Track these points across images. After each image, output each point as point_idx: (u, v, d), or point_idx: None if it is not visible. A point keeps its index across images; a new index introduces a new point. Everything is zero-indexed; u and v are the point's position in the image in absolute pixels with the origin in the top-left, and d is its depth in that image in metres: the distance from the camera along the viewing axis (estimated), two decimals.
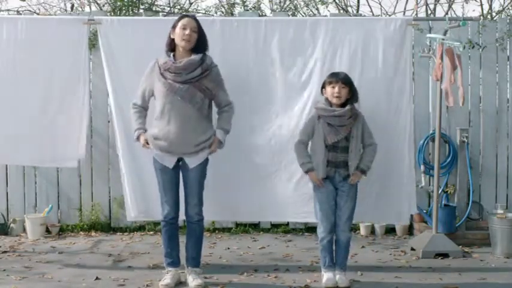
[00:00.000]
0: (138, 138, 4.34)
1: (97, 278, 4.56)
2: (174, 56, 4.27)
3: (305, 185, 4.55)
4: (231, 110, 4.39)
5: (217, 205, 4.76)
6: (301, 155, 4.38)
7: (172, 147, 4.22)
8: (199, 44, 4.27)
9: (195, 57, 4.22)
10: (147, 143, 4.28)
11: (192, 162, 4.25)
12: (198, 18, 4.44)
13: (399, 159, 4.82)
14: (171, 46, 4.29)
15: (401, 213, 4.87)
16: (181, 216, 4.43)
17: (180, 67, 4.19)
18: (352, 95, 4.34)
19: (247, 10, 7.59)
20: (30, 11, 8.97)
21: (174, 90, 4.19)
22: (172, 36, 4.28)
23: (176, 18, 4.36)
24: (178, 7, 8.83)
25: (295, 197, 4.83)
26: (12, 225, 6.21)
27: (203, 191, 4.35)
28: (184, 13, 5.20)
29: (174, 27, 4.28)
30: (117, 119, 4.84)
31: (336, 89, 4.28)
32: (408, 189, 4.83)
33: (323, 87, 4.40)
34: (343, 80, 4.30)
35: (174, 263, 4.42)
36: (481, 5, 9.10)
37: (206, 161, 4.34)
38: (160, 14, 7.59)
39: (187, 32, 4.21)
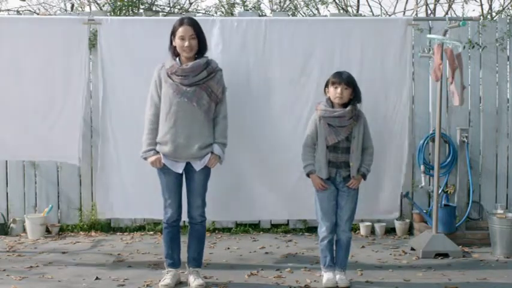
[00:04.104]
0: (145, 158, 4.28)
1: (97, 278, 4.56)
2: (179, 60, 4.28)
3: (305, 183, 4.55)
4: (227, 121, 4.34)
5: (217, 205, 4.76)
6: (304, 157, 4.38)
7: (178, 152, 4.20)
8: (200, 47, 4.28)
9: (201, 60, 4.24)
10: (158, 162, 4.23)
11: (198, 165, 4.24)
12: (197, 18, 4.44)
13: (396, 157, 4.90)
14: (175, 53, 4.29)
15: (394, 208, 4.99)
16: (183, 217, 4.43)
17: (187, 69, 4.19)
18: (355, 96, 4.34)
19: (247, 10, 7.59)
20: (30, 11, 8.98)
21: (181, 92, 4.18)
22: (174, 44, 4.28)
23: (176, 20, 4.32)
24: (178, 7, 8.83)
25: (295, 195, 4.84)
26: (12, 225, 6.21)
27: (206, 192, 4.35)
28: (182, 15, 5.16)
29: (173, 34, 4.27)
30: (111, 119, 4.84)
31: (339, 90, 4.28)
32: (398, 185, 4.95)
33: (326, 86, 4.40)
34: (346, 81, 4.28)
35: (175, 263, 4.42)
36: (481, 5, 9.12)
37: None
38: (160, 14, 7.59)
39: (186, 43, 4.20)
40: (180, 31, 4.22)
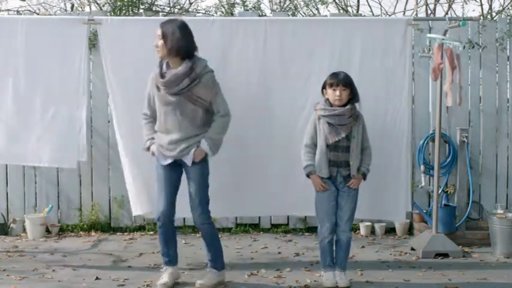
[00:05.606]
0: (148, 148, 4.33)
1: (97, 278, 4.56)
2: (167, 63, 4.23)
3: (305, 181, 4.54)
4: (225, 119, 4.28)
5: (217, 203, 4.76)
6: (304, 158, 4.38)
7: (167, 152, 4.23)
8: (179, 48, 4.13)
9: (180, 68, 4.14)
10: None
11: (188, 159, 4.21)
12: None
13: (397, 157, 4.88)
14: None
15: (398, 210, 4.93)
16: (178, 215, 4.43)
17: (166, 82, 4.17)
18: (353, 96, 4.34)
19: (247, 10, 7.59)
20: (30, 11, 8.99)
21: (167, 102, 4.20)
22: None
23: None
24: (178, 7, 8.84)
25: (294, 192, 4.83)
26: (12, 225, 6.21)
27: (207, 191, 4.30)
28: (182, 15, 5.16)
29: None
30: (117, 120, 4.84)
31: (337, 92, 4.28)
32: (405, 187, 4.91)
33: (323, 87, 4.40)
34: (343, 82, 4.29)
35: (171, 261, 4.42)
36: (481, 5, 9.13)
37: (204, 159, 4.28)
38: (160, 14, 7.59)
39: (154, 42, 4.21)
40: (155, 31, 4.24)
